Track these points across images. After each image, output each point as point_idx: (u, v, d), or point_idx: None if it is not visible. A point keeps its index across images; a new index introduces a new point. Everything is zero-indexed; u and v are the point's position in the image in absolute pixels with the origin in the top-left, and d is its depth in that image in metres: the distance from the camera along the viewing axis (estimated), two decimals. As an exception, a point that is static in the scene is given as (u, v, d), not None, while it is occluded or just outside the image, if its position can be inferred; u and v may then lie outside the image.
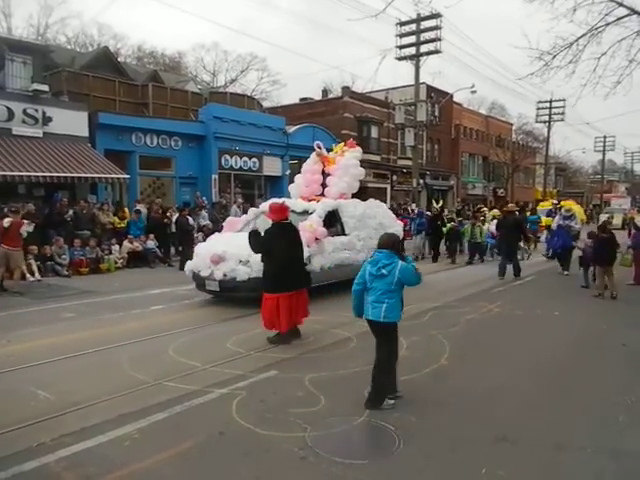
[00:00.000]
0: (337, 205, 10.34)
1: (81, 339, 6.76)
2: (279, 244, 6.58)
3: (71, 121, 15.91)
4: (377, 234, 10.73)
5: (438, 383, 5.21)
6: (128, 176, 16.32)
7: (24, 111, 14.90)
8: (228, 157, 21.12)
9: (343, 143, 11.99)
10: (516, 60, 16.71)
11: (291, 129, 23.38)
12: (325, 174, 11.19)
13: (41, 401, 4.69)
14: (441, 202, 18.62)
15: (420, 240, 16.73)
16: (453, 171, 38.20)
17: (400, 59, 23.97)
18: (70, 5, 53.24)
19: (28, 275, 11.47)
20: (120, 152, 17.54)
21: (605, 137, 52.42)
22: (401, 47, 23.79)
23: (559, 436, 4.07)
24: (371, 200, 12.02)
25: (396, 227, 11.86)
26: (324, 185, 11.09)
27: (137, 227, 14.92)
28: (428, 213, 17.92)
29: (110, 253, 13.64)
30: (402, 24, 23.54)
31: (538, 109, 40.61)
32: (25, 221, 10.73)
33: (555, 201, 22.15)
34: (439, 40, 23.00)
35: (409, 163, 28.17)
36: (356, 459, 3.65)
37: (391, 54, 23.93)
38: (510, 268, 12.52)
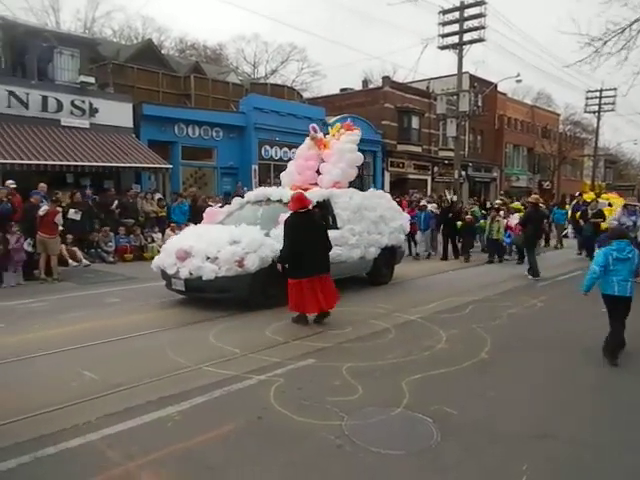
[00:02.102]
0: (329, 195, 9.35)
1: (125, 323, 6.98)
2: (296, 231, 6.87)
3: (116, 112, 16.38)
4: (377, 228, 10.24)
5: (478, 377, 5.11)
6: (171, 166, 16.71)
7: (72, 102, 15.42)
8: (268, 147, 21.28)
9: (340, 125, 10.94)
10: (564, 46, 16.13)
11: (331, 120, 23.27)
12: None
13: (86, 381, 4.87)
14: (451, 194, 17.53)
15: (428, 235, 15.07)
16: (496, 163, 37.24)
17: (442, 48, 23.44)
18: (115, -1, 54.37)
19: (71, 261, 11.93)
20: (163, 143, 17.94)
21: (659, 128, 50.11)
22: (444, 36, 23.26)
23: (601, 434, 3.93)
24: (372, 190, 11.20)
25: (400, 220, 11.09)
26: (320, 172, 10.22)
27: (181, 211, 15.17)
28: (430, 206, 15.88)
29: (153, 241, 13.98)
30: (445, 12, 23.03)
31: (587, 99, 38.97)
32: (59, 209, 10.99)
33: (577, 193, 21.13)
34: (483, 28, 22.40)
35: (451, 154, 27.62)
36: (393, 450, 3.62)
37: (433, 43, 23.48)
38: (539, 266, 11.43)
